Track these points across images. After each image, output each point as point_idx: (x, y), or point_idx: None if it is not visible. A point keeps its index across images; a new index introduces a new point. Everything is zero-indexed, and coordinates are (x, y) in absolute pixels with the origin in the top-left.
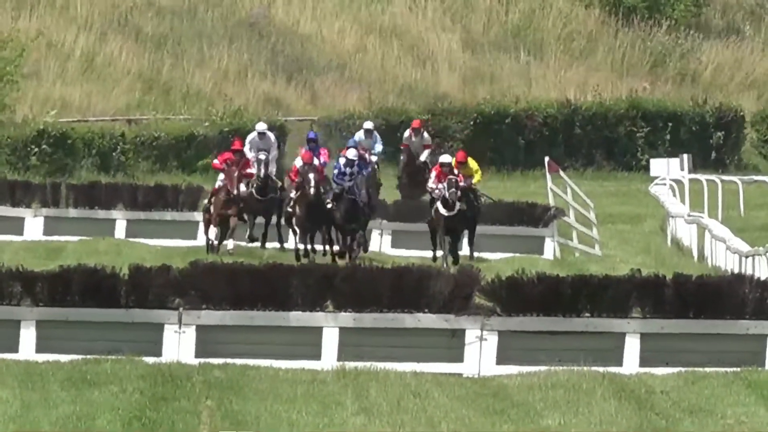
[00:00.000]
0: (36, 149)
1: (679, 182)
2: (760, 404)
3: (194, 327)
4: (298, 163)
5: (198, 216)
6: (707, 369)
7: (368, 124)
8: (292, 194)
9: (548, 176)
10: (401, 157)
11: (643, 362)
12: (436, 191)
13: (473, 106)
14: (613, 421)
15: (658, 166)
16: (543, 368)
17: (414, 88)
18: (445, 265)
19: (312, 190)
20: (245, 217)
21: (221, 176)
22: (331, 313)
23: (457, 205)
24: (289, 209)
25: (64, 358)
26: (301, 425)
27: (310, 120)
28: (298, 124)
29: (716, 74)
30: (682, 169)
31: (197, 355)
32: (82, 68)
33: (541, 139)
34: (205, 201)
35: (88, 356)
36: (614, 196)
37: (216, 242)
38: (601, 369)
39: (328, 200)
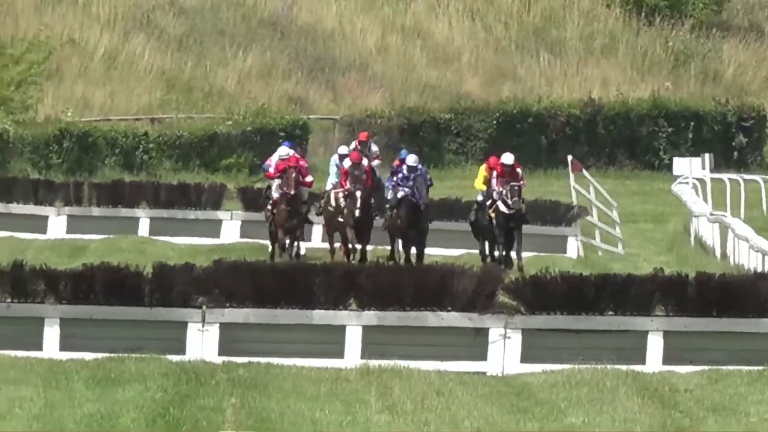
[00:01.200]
0: (57, 148)
1: (701, 181)
2: None
3: (218, 325)
4: (346, 164)
5: (221, 214)
6: (730, 367)
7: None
8: (341, 198)
9: (571, 175)
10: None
11: (667, 360)
12: (496, 193)
13: (496, 105)
14: (636, 419)
15: (681, 165)
16: (567, 366)
17: (436, 87)
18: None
19: (358, 213)
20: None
21: (275, 183)
22: (355, 312)
23: (523, 209)
24: (340, 219)
25: (88, 356)
26: (325, 423)
27: (332, 119)
28: (320, 123)
29: (738, 73)
30: (704, 168)
31: (221, 353)
32: (104, 67)
33: (563, 138)
34: (268, 210)
35: (112, 354)
36: (637, 195)
37: (285, 244)
38: (624, 367)
39: (386, 207)
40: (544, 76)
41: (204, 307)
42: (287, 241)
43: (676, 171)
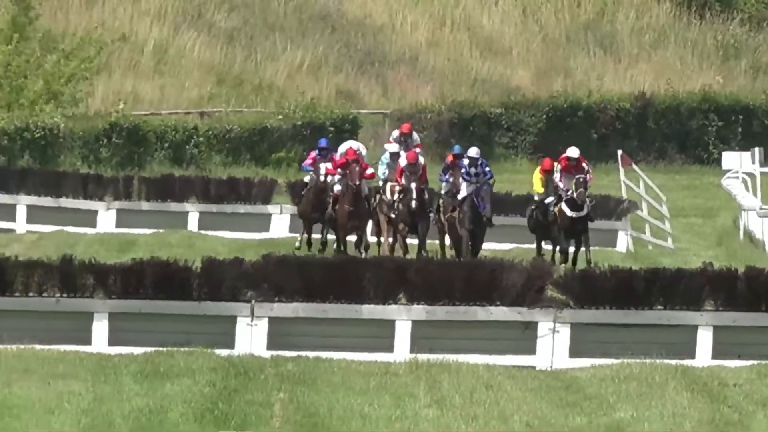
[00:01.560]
0: (107, 142)
1: (751, 175)
2: None
3: (266, 319)
4: (402, 162)
5: (270, 209)
6: None
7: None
8: (396, 196)
9: (621, 169)
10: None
11: (716, 355)
12: (561, 191)
13: (546, 99)
14: (685, 413)
15: (730, 159)
16: (615, 361)
17: (486, 81)
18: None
19: (414, 204)
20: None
21: (336, 179)
22: (404, 306)
23: (585, 207)
24: (393, 215)
25: (136, 350)
26: (374, 418)
27: (382, 113)
28: (371, 117)
29: None
30: (753, 162)
31: (269, 348)
32: (154, 61)
33: (613, 132)
34: (329, 209)
35: (161, 348)
36: (686, 189)
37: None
38: (673, 362)
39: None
40: (595, 70)
41: (253, 302)
42: (349, 238)
43: (725, 165)
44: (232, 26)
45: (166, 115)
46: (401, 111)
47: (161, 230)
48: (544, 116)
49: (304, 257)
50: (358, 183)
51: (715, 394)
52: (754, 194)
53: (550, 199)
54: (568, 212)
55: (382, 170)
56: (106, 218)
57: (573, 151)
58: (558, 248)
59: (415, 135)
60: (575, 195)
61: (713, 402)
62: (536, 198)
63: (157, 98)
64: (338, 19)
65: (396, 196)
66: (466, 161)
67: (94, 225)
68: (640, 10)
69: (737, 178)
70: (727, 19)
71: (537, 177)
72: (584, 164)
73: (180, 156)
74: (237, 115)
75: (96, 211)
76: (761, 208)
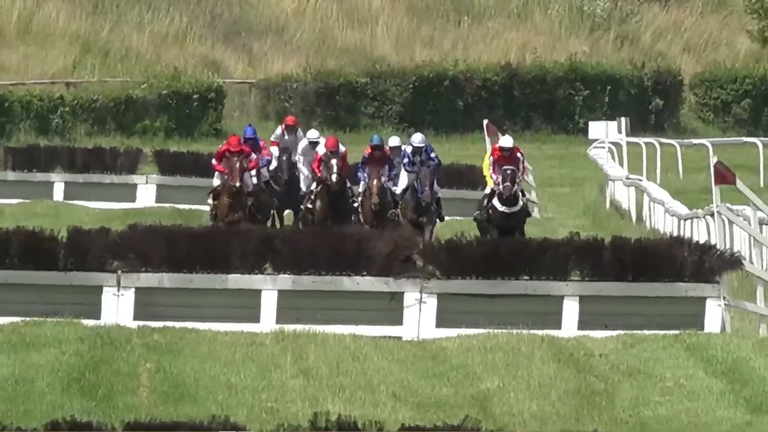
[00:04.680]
0: None
1: (617, 145)
2: (698, 367)
3: (133, 290)
4: (321, 150)
5: (136, 179)
6: (646, 332)
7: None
8: (313, 187)
9: (487, 139)
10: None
11: (582, 325)
12: (495, 184)
13: (412, 69)
14: (552, 384)
15: (597, 129)
16: (482, 331)
17: (352, 50)
18: None
19: (334, 177)
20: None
21: (217, 175)
22: (270, 276)
23: (520, 201)
24: (309, 205)
25: (2, 320)
26: (240, 388)
27: (248, 83)
28: (236, 87)
29: (656, 38)
30: (620, 132)
31: (136, 318)
32: (18, 31)
33: (479, 102)
34: (209, 201)
35: (27, 319)
36: (553, 159)
37: None
38: (540, 332)
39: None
40: (462, 41)
41: (119, 272)
42: None
43: (592, 135)
44: None
45: (31, 85)
46: (267, 81)
47: (27, 200)
48: (410, 86)
49: (171, 227)
50: (238, 185)
51: (581, 364)
52: (621, 164)
53: (484, 194)
54: (500, 207)
55: (303, 159)
56: None
57: (506, 141)
58: None
59: (300, 132)
60: (501, 189)
61: (579, 372)
62: (486, 191)
63: (22, 68)
64: None
65: (313, 186)
66: (409, 149)
67: None
68: None
69: (603, 147)
70: None
71: (486, 163)
72: (519, 154)
73: (45, 126)
74: (103, 84)
75: None
76: (627, 178)
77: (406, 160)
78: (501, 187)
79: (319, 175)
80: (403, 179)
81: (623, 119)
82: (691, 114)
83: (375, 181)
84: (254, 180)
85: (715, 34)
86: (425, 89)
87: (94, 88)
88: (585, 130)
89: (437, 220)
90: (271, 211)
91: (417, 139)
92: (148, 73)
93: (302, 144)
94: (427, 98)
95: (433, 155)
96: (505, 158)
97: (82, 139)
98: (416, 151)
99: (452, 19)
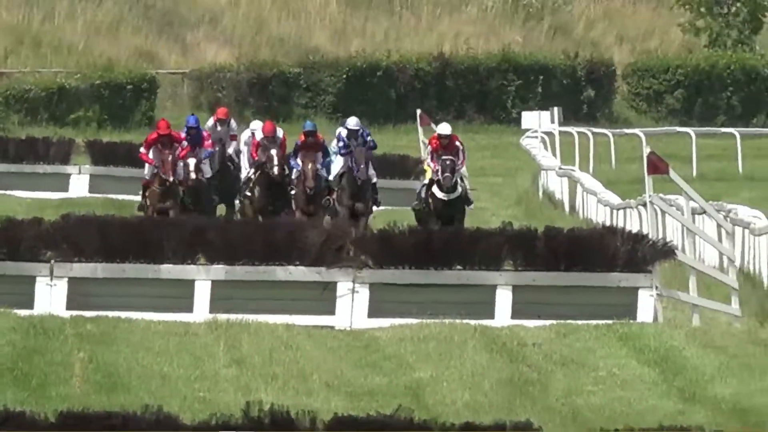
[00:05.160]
0: None
1: (550, 135)
2: (631, 356)
3: (66, 279)
4: (258, 135)
5: (69, 169)
6: (579, 321)
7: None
8: (251, 173)
9: (420, 129)
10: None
11: (515, 315)
12: (433, 173)
13: (345, 59)
14: (484, 373)
15: (530, 118)
16: (415, 321)
17: (285, 41)
18: None
19: (276, 170)
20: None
21: (147, 167)
22: (203, 266)
23: (458, 188)
24: (248, 193)
25: None
26: (174, 377)
27: (181, 73)
28: (170, 78)
29: (588, 28)
30: (552, 122)
31: (69, 308)
32: None
33: (412, 93)
34: (140, 195)
35: None
36: (486, 149)
37: None
38: (472, 321)
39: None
40: (395, 31)
41: (52, 262)
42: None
43: (524, 125)
44: None
45: None
46: (200, 71)
47: None
48: (344, 76)
49: (104, 217)
50: (171, 179)
51: (514, 353)
52: (553, 154)
53: (422, 183)
54: (439, 194)
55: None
56: None
57: (444, 128)
58: None
59: (233, 123)
60: (441, 180)
61: (512, 362)
62: (425, 181)
63: None
64: None
65: (251, 172)
66: (344, 132)
67: None
68: None
69: (536, 137)
70: None
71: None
72: (457, 143)
73: None
74: (35, 75)
75: None
76: (560, 168)
77: (341, 144)
78: (441, 177)
79: (255, 158)
80: (338, 163)
81: (556, 109)
82: (623, 104)
83: (309, 165)
84: (192, 175)
85: (648, 24)
86: (358, 79)
87: (26, 78)
88: (518, 120)
89: (373, 206)
90: (214, 206)
91: (352, 122)
92: (80, 64)
93: (245, 135)
94: (361, 88)
95: (369, 138)
96: (444, 146)
97: (15, 130)
98: (351, 134)
99: (386, 9)
